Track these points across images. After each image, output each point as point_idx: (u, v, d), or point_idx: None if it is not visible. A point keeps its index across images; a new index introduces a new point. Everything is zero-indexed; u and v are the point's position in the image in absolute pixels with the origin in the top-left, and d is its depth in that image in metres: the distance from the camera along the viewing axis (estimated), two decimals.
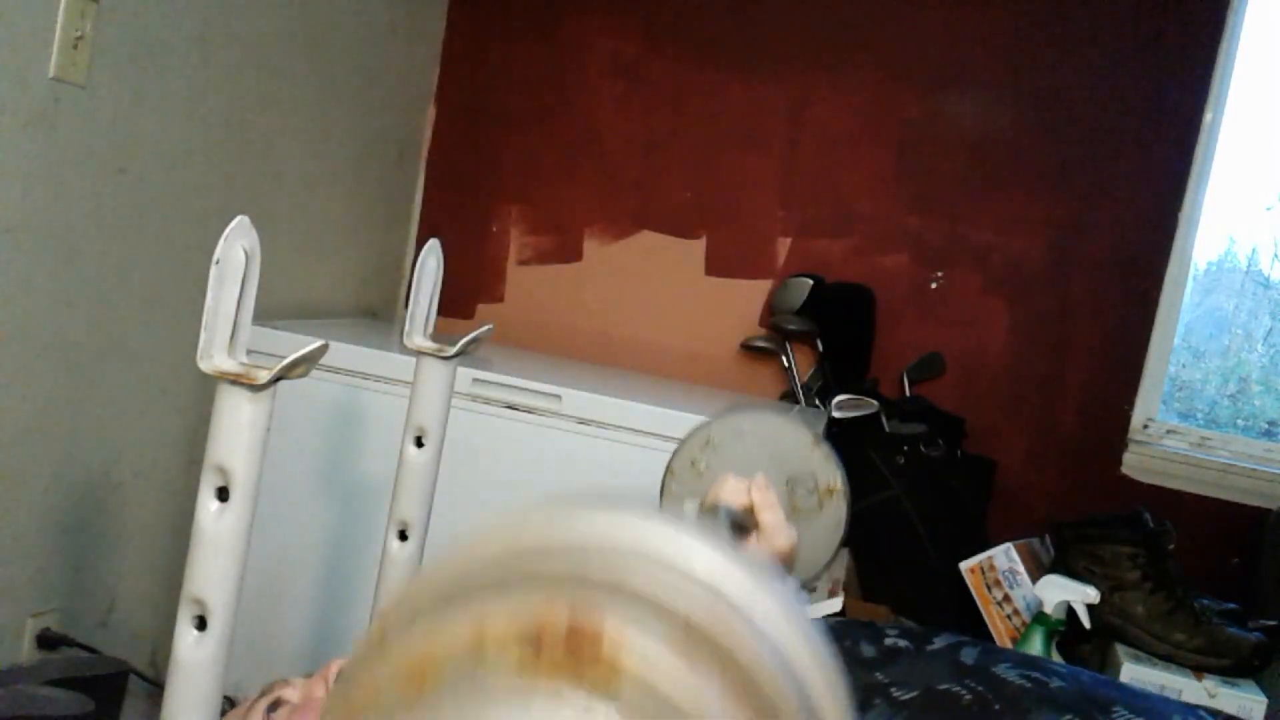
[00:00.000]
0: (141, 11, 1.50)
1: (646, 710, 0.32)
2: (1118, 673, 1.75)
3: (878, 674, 0.69)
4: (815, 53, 2.32)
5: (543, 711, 0.31)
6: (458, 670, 0.33)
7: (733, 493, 0.98)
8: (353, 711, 0.35)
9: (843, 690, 0.38)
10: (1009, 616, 1.90)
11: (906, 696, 0.67)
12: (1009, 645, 1.84)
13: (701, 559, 0.36)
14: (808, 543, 1.08)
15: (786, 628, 0.37)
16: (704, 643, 0.34)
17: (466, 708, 0.32)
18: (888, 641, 0.74)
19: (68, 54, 1.37)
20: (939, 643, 0.74)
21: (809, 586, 1.22)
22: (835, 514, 1.11)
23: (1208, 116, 2.20)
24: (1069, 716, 0.66)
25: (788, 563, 0.99)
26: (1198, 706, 0.73)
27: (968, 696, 0.67)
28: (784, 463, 1.11)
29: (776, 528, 0.96)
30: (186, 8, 1.59)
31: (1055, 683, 0.70)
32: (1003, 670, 0.69)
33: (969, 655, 0.71)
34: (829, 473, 1.11)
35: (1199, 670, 1.77)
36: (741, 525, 0.97)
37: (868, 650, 0.72)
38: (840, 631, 0.77)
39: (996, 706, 0.66)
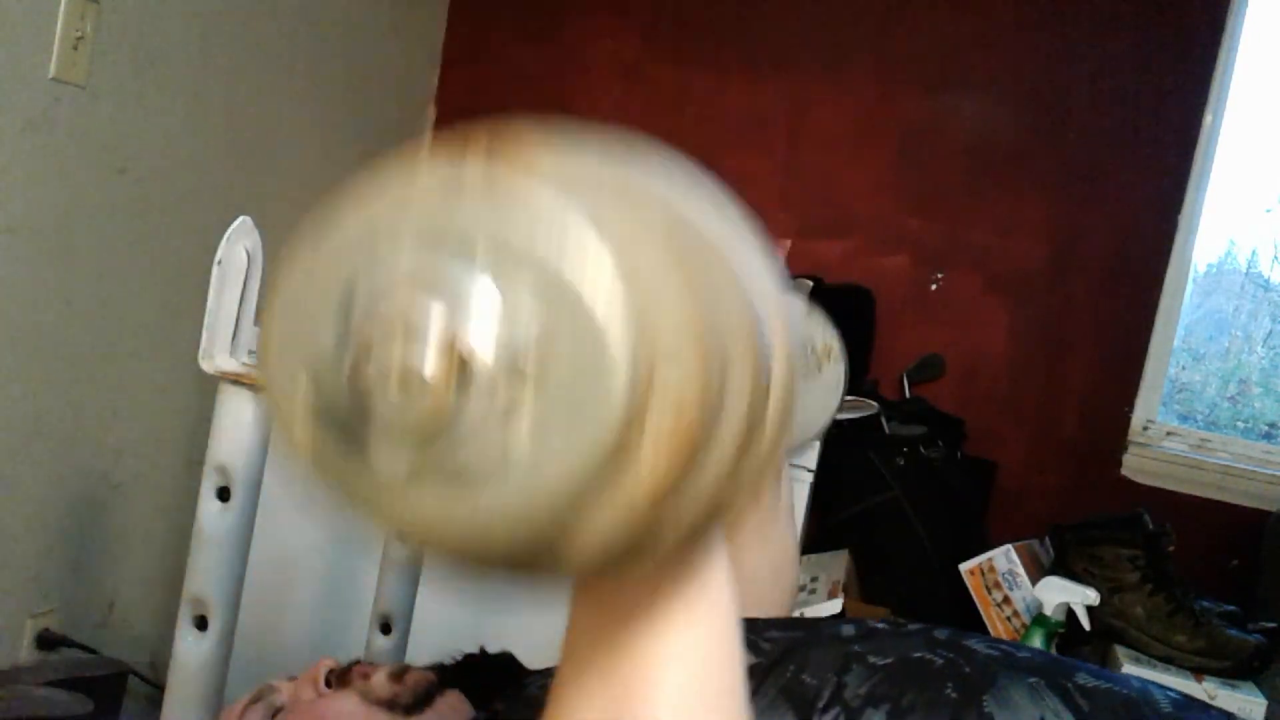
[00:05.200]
0: (141, 11, 1.50)
1: (565, 181, 0.34)
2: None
3: (855, 646, 0.74)
4: (815, 54, 2.32)
5: (459, 180, 0.34)
6: (395, 186, 0.35)
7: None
8: (316, 232, 0.37)
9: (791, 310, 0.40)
10: (1009, 618, 1.90)
11: (882, 662, 0.72)
12: None
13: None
14: (809, 403, 1.10)
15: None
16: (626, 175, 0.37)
17: (394, 199, 0.35)
18: (868, 625, 0.81)
19: (68, 54, 1.37)
20: (914, 626, 0.79)
21: (808, 444, 1.23)
22: (834, 374, 1.13)
23: (1208, 118, 2.20)
24: (1034, 679, 0.69)
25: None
26: (1157, 684, 0.78)
27: (939, 662, 0.72)
28: None
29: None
30: (186, 8, 1.59)
31: (1022, 653, 0.76)
32: (973, 643, 0.76)
33: (942, 633, 0.78)
34: (824, 334, 1.13)
35: (1199, 672, 1.77)
36: None
37: (847, 630, 0.78)
38: (821, 620, 0.81)
39: (966, 670, 0.71)
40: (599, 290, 0.32)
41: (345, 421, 0.34)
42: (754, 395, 0.36)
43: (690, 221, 0.37)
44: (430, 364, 0.32)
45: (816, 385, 1.13)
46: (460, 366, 0.32)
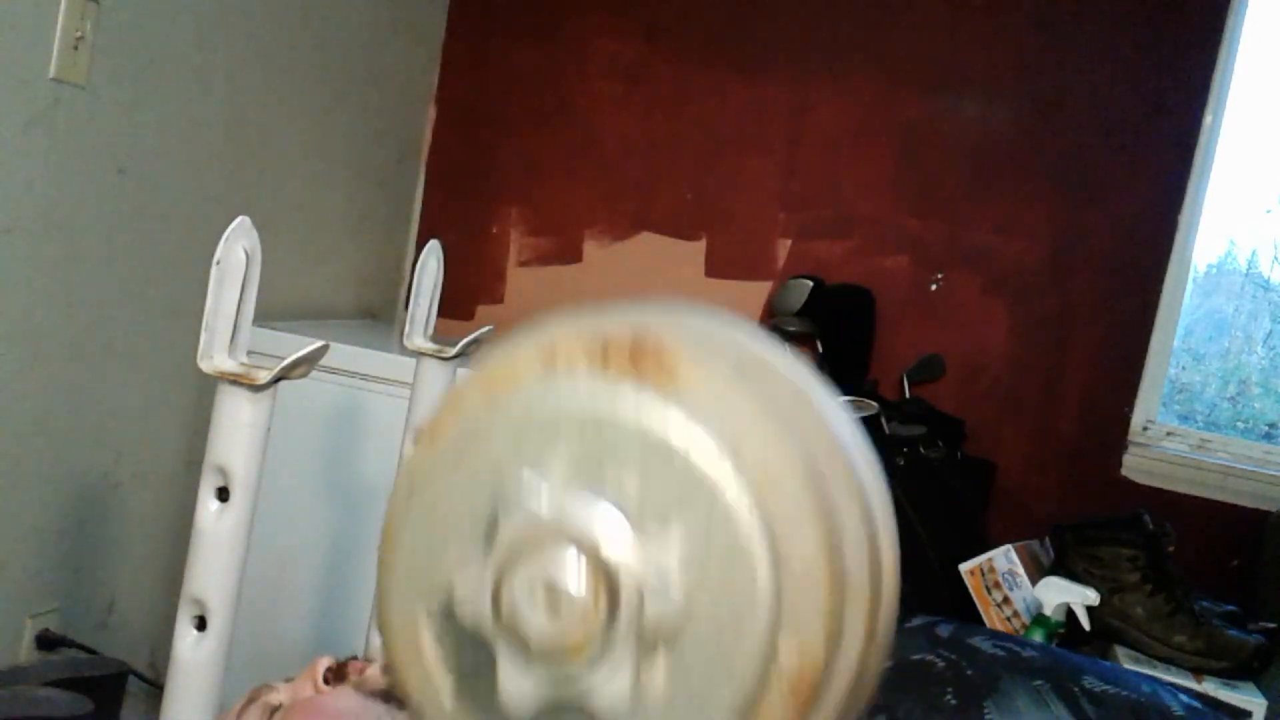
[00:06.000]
0: (141, 11, 1.50)
1: (706, 411, 0.34)
2: None
3: None
4: (816, 54, 2.32)
5: (607, 404, 0.34)
6: (531, 378, 0.36)
7: None
8: (437, 432, 0.37)
9: (880, 477, 0.41)
10: (1009, 619, 1.90)
11: None
12: None
13: (747, 337, 0.40)
14: None
15: (831, 405, 0.40)
16: (756, 373, 0.37)
17: (537, 407, 0.35)
18: None
19: (68, 54, 1.37)
20: (917, 621, 0.75)
21: None
22: None
23: (1208, 119, 2.20)
24: (1039, 682, 0.68)
25: None
26: (1169, 682, 0.74)
27: (941, 664, 0.69)
28: None
29: None
30: (186, 8, 1.59)
31: (1028, 652, 0.71)
32: (977, 641, 0.71)
33: (945, 630, 0.73)
34: None
35: (1199, 672, 1.77)
36: None
37: None
38: None
39: (969, 673, 0.68)
40: (751, 538, 0.32)
41: (474, 655, 0.34)
42: (867, 641, 0.36)
43: (827, 441, 0.38)
44: (579, 583, 0.32)
45: None
46: (609, 591, 0.32)
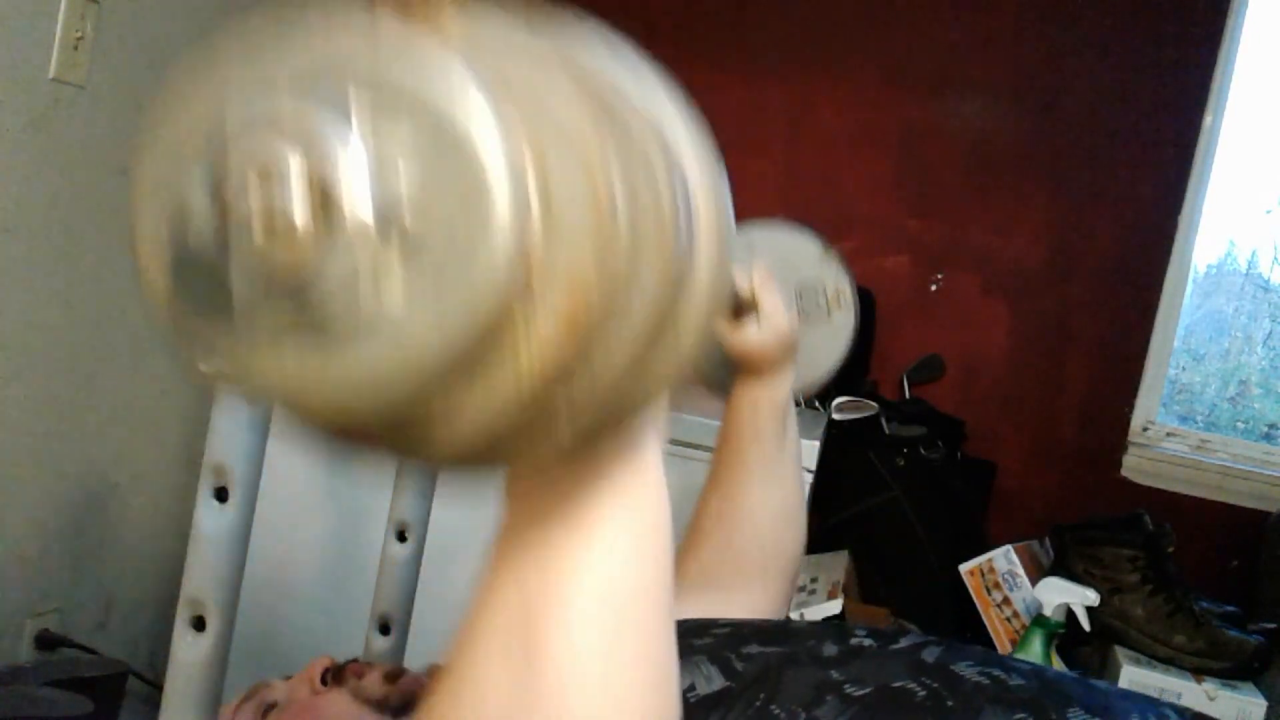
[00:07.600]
0: (141, 11, 1.50)
1: (481, 45, 0.31)
2: (1117, 676, 1.75)
3: (833, 672, 0.70)
4: (816, 54, 2.32)
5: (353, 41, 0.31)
6: (280, 39, 0.33)
7: (735, 277, 1.01)
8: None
9: (707, 150, 0.38)
10: (1009, 619, 1.90)
11: (859, 693, 0.67)
12: (1009, 648, 1.83)
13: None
14: (818, 346, 1.12)
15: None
16: (548, 30, 0.35)
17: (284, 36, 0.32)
18: (853, 641, 0.75)
19: (68, 54, 1.37)
20: (904, 642, 0.74)
21: (812, 392, 1.23)
22: (844, 320, 1.15)
23: (1208, 119, 2.20)
24: (1021, 714, 0.65)
25: (790, 347, 1.03)
26: (1161, 702, 0.73)
27: (921, 693, 0.67)
28: (794, 272, 1.15)
29: (776, 310, 1.00)
30: (186, 8, 1.59)
31: (1015, 680, 0.70)
32: (962, 668, 0.70)
33: (930, 654, 0.72)
34: (838, 281, 1.15)
35: (1199, 673, 1.77)
36: (742, 307, 1.00)
37: (829, 650, 0.73)
38: (806, 632, 0.78)
39: (950, 703, 0.66)
40: (485, 145, 0.30)
41: (208, 272, 0.32)
42: (667, 277, 0.34)
43: (612, 90, 0.35)
44: (297, 208, 0.30)
45: (825, 329, 1.14)
46: (328, 214, 0.30)
